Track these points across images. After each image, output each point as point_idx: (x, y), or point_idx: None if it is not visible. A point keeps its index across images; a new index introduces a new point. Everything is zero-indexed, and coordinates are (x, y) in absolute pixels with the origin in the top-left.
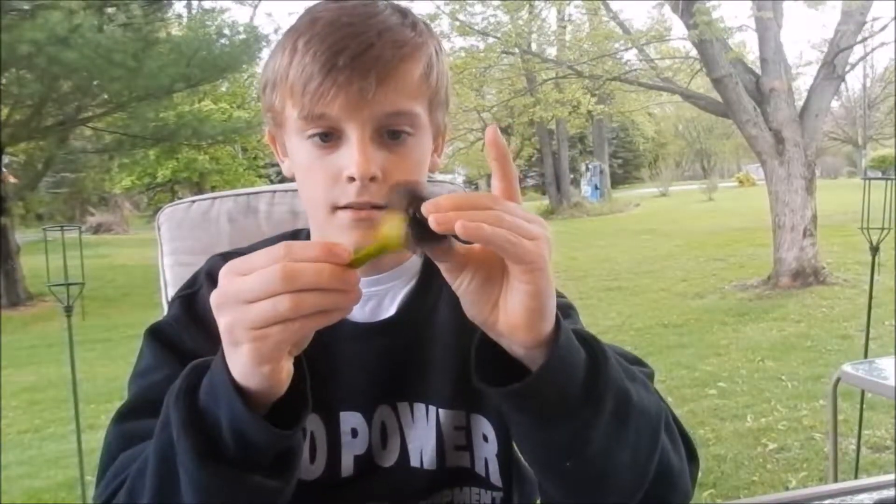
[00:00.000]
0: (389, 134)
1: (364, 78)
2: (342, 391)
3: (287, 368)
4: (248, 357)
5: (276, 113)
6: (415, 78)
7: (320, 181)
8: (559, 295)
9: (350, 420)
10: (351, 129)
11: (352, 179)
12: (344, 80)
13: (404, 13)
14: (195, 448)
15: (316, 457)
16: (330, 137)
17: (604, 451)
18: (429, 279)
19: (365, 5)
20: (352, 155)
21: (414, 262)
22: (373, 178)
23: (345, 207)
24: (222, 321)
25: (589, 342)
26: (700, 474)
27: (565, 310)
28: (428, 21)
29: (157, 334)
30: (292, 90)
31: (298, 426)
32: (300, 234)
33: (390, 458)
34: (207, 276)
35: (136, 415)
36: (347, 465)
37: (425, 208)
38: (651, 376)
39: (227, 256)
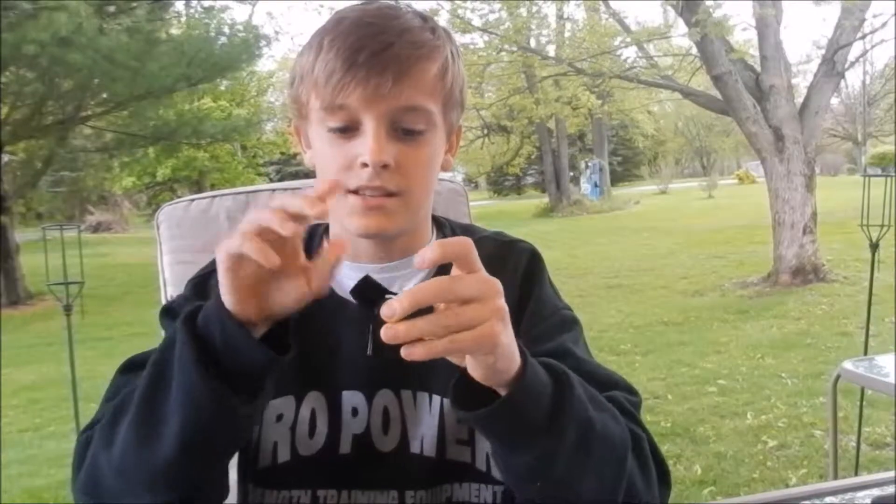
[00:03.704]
0: (404, 131)
1: (381, 74)
2: (346, 372)
3: (244, 301)
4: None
5: (302, 105)
6: (430, 76)
7: (336, 166)
8: (564, 307)
9: (351, 399)
10: (367, 121)
11: (365, 165)
12: (363, 75)
13: (425, 18)
14: (196, 357)
15: (316, 431)
16: (348, 130)
17: (568, 476)
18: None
19: (388, 8)
20: (367, 143)
21: None
22: (385, 166)
23: (356, 192)
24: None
25: (558, 376)
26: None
27: (569, 324)
28: (447, 28)
29: (167, 312)
30: (316, 83)
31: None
32: (317, 229)
33: (391, 444)
34: None
35: (143, 367)
36: (346, 442)
37: (383, 312)
38: (637, 405)
39: None
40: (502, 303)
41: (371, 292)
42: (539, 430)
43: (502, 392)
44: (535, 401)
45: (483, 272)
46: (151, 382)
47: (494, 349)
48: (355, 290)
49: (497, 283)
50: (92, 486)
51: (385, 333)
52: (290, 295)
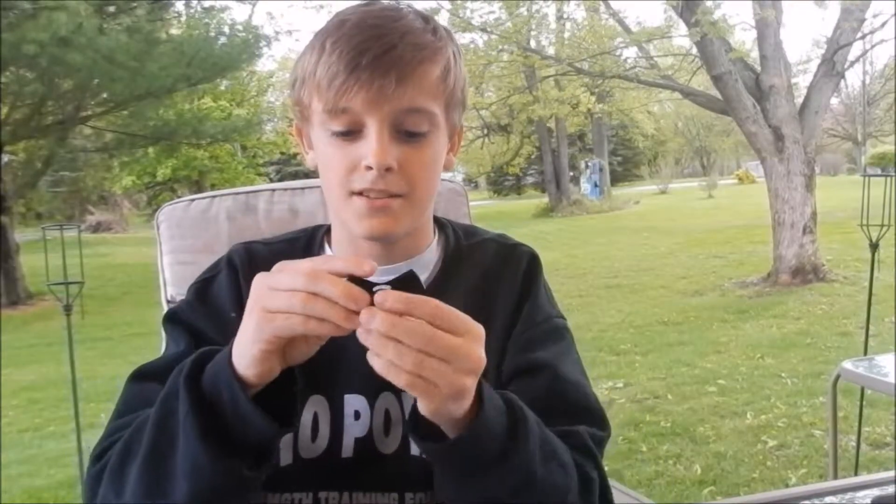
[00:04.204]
0: (407, 133)
1: (385, 76)
2: (348, 374)
3: (273, 368)
4: (250, 329)
5: (304, 107)
6: (433, 78)
7: (340, 169)
8: (557, 315)
9: (353, 403)
10: (371, 123)
11: (369, 168)
12: (366, 78)
13: (426, 19)
14: (201, 430)
15: (318, 435)
16: (351, 133)
17: None
18: (447, 274)
19: (390, 9)
20: (370, 145)
21: (431, 254)
22: (389, 169)
23: (360, 194)
24: (251, 296)
25: (516, 423)
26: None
27: (560, 332)
28: (448, 28)
29: (171, 318)
30: (319, 86)
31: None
32: (319, 231)
33: (392, 446)
34: (228, 263)
35: (152, 378)
36: (348, 446)
37: (376, 299)
38: (602, 441)
39: (248, 246)
40: (466, 382)
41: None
42: (485, 471)
43: (447, 430)
44: (484, 444)
45: (472, 343)
46: (156, 437)
47: (434, 409)
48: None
49: (476, 363)
50: None
51: (359, 334)
52: (309, 343)
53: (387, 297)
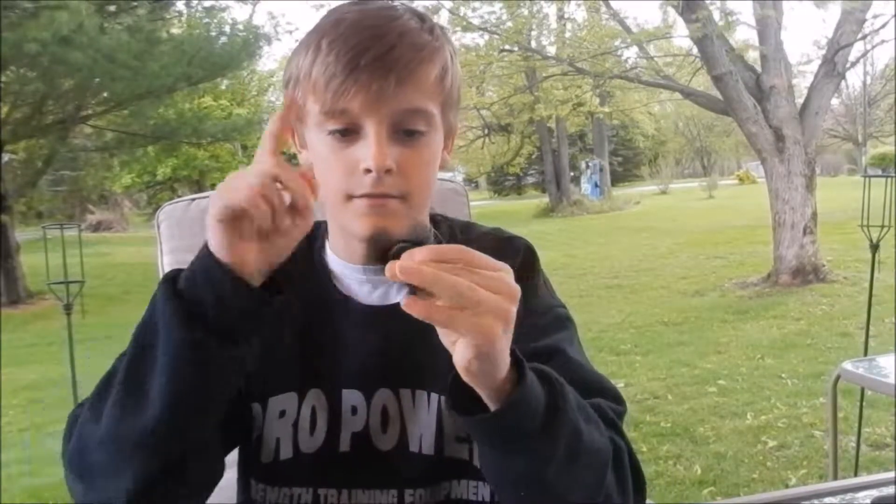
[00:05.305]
0: (406, 132)
1: (384, 78)
2: (346, 370)
3: (232, 243)
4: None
5: (298, 107)
6: (431, 79)
7: (337, 172)
8: (558, 305)
9: (350, 398)
10: (369, 125)
11: (368, 171)
12: (365, 79)
13: (423, 18)
14: (177, 312)
15: (316, 429)
16: (349, 133)
17: (556, 484)
18: None
19: (387, 8)
20: (369, 148)
21: None
22: (388, 171)
23: (360, 196)
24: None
25: (552, 384)
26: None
27: (563, 322)
28: (444, 26)
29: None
30: (315, 86)
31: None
32: (320, 227)
33: (390, 442)
34: None
35: None
36: (345, 440)
37: (403, 256)
38: (621, 414)
39: None
40: (513, 310)
41: (385, 246)
42: (534, 437)
43: (485, 396)
44: (532, 409)
45: (507, 275)
46: (136, 349)
47: (491, 347)
48: (371, 252)
49: (516, 290)
50: (78, 460)
51: (403, 264)
52: (276, 243)
53: (413, 253)
